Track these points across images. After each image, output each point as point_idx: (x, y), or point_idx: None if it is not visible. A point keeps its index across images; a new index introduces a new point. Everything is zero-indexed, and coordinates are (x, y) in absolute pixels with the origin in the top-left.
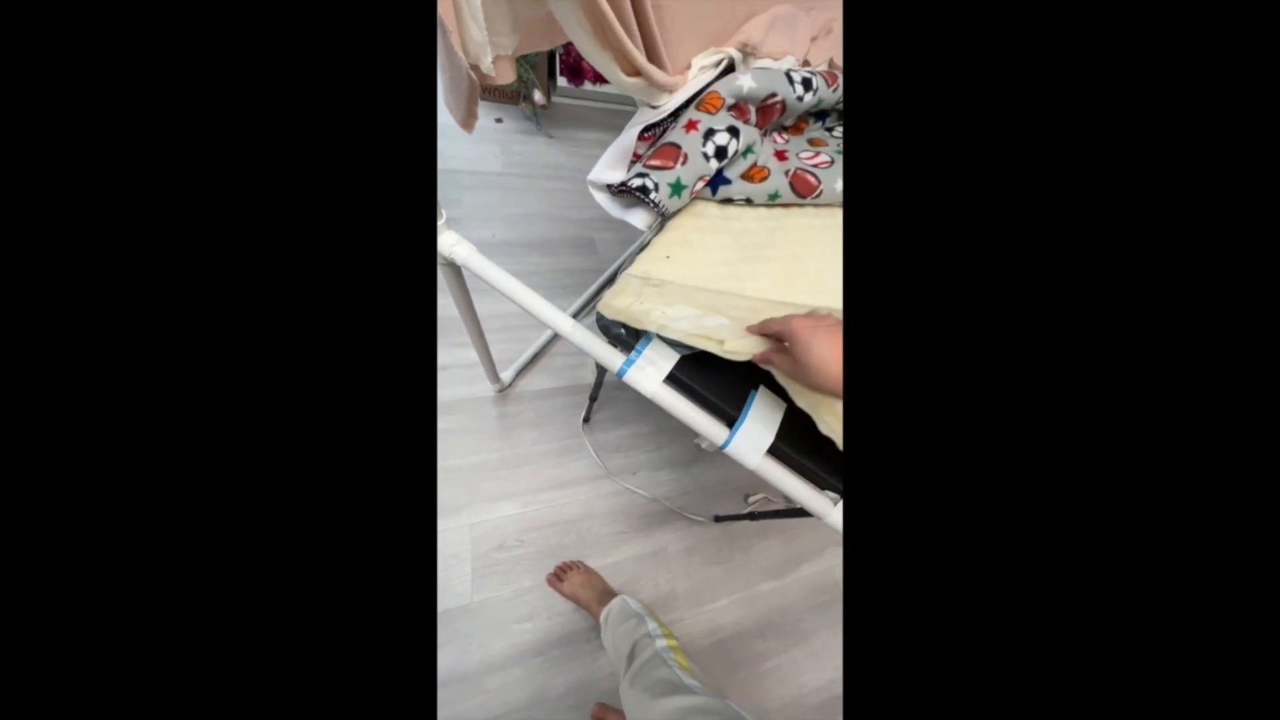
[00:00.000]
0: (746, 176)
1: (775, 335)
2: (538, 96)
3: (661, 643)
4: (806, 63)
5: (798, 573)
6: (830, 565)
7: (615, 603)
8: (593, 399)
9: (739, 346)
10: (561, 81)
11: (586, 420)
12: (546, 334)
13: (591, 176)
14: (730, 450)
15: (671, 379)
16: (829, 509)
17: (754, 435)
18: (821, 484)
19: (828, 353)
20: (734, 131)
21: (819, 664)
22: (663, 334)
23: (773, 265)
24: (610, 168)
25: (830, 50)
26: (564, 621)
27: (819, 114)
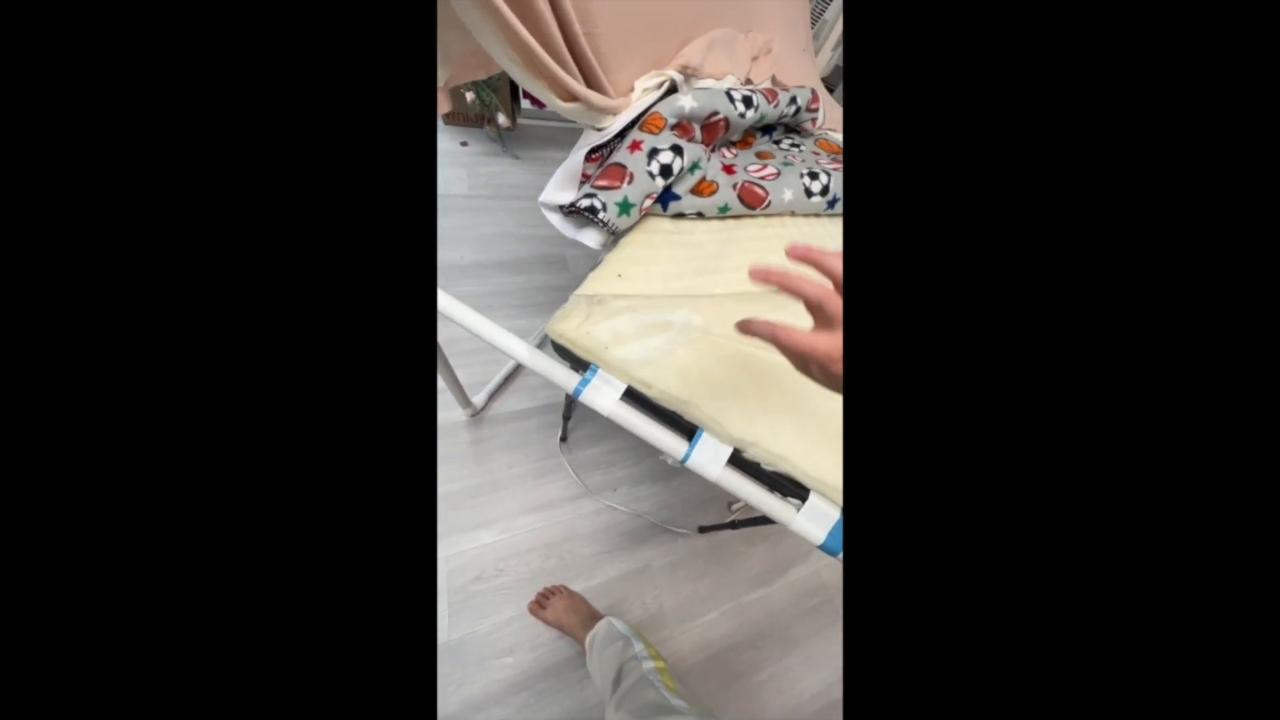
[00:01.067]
0: (695, 191)
1: (809, 298)
2: (502, 119)
3: (649, 664)
4: (749, 81)
5: (786, 577)
6: (818, 567)
7: (600, 626)
8: (566, 417)
9: (668, 388)
10: (526, 104)
11: (564, 439)
12: None
13: (542, 198)
14: (690, 464)
15: (629, 395)
16: (792, 515)
17: (713, 447)
18: (785, 491)
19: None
20: (678, 150)
21: (813, 669)
22: (602, 366)
23: (725, 276)
24: (560, 189)
25: (771, 68)
26: (548, 652)
27: (765, 128)
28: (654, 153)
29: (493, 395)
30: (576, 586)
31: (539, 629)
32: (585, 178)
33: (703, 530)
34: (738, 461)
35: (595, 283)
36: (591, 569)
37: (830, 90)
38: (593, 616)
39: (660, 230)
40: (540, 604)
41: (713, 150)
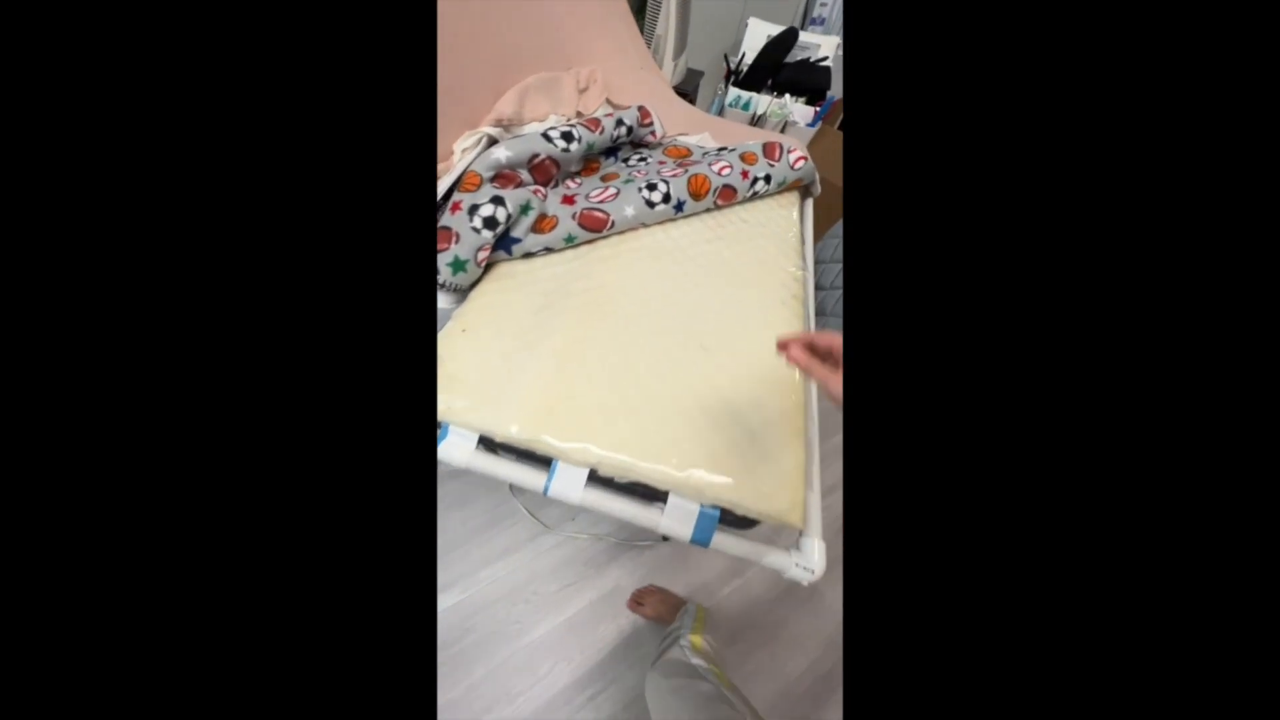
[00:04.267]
0: (536, 229)
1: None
2: None
3: (686, 638)
4: (579, 114)
5: (758, 564)
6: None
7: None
8: None
9: (513, 433)
10: None
11: (511, 485)
12: None
13: None
14: (552, 494)
15: (483, 443)
16: (658, 520)
17: (569, 473)
18: (651, 496)
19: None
20: (498, 200)
21: (798, 650)
22: (451, 422)
23: (579, 299)
24: None
25: (602, 94)
26: (527, 702)
27: (610, 151)
28: (474, 209)
29: None
30: (548, 622)
31: (514, 682)
32: None
33: (666, 538)
34: (597, 479)
35: (444, 339)
36: (560, 604)
37: (685, 95)
38: (680, 603)
39: (513, 274)
40: (638, 601)
41: (552, 185)
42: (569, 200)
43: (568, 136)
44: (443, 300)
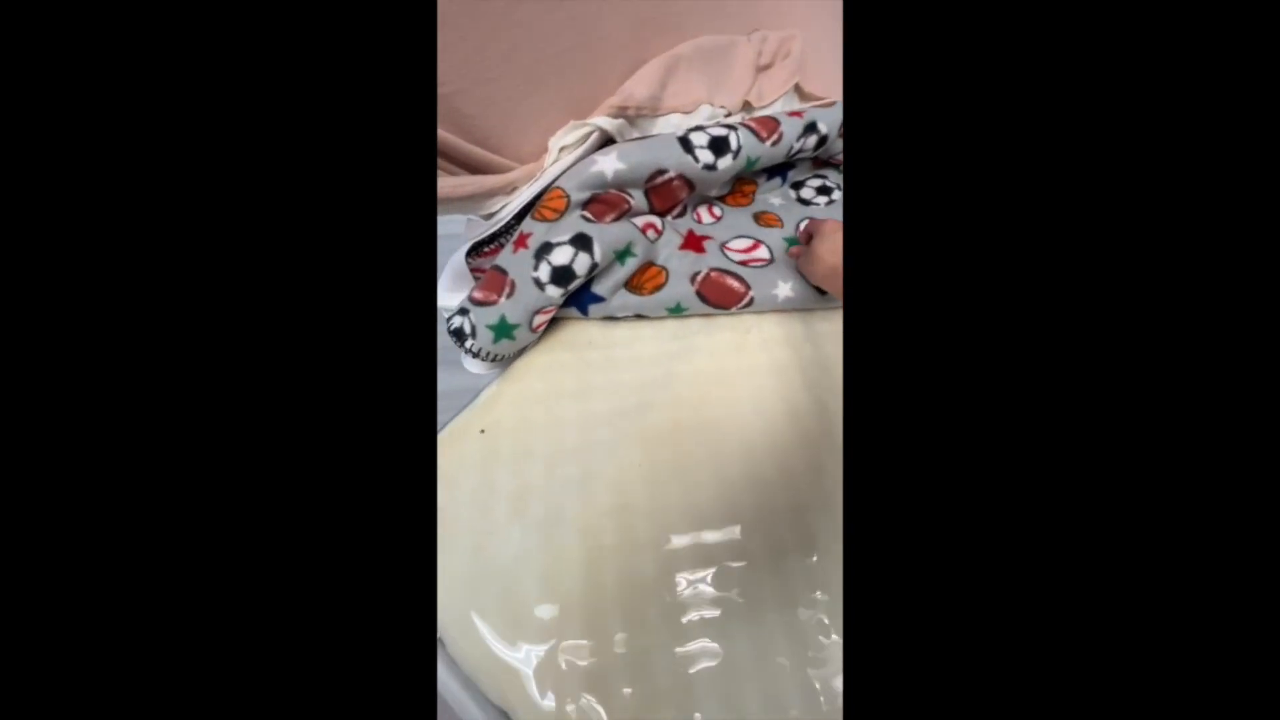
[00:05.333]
0: (631, 286)
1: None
2: None
3: None
4: (748, 105)
5: None
6: None
7: None
8: None
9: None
10: None
11: None
12: None
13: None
14: None
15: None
16: None
17: None
18: None
19: (831, 244)
20: (583, 242)
21: None
22: None
23: (654, 419)
24: (450, 289)
25: (790, 77)
26: None
27: (777, 170)
28: (544, 250)
29: None
30: None
31: None
32: (480, 273)
33: None
34: None
35: (447, 441)
36: None
37: None
38: None
39: (577, 344)
40: None
41: (675, 215)
42: (694, 243)
43: (720, 146)
44: (474, 366)
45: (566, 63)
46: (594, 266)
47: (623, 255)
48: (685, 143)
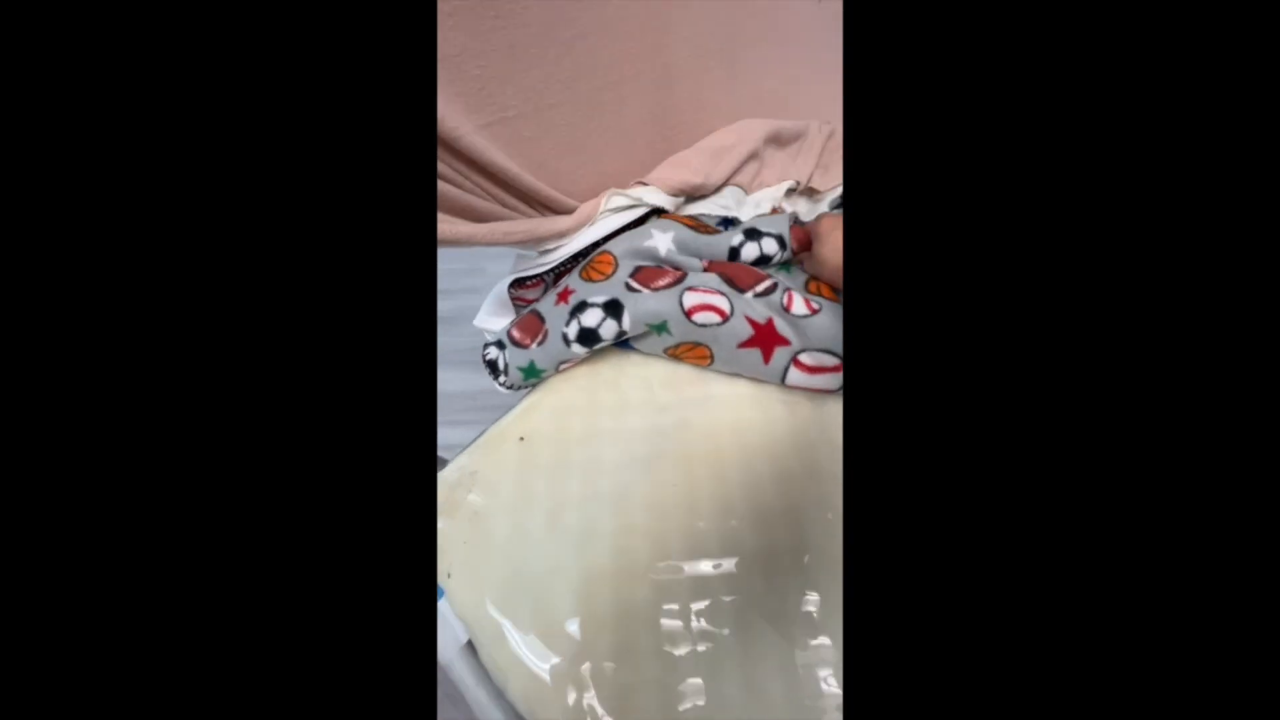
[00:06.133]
0: (672, 355)
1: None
2: None
3: None
4: (811, 191)
5: None
6: None
7: None
8: None
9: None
10: None
11: None
12: None
13: (477, 321)
14: None
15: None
16: None
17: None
18: None
19: (832, 244)
20: (613, 309)
21: None
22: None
23: (674, 444)
24: (492, 314)
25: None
26: None
27: None
28: (579, 309)
29: None
30: None
31: None
32: (523, 302)
33: None
34: None
35: (479, 451)
36: None
37: None
38: None
39: (615, 359)
40: None
41: (760, 292)
42: (766, 339)
43: (781, 243)
44: (505, 390)
45: (628, 92)
46: (619, 334)
47: (660, 329)
48: (753, 234)
